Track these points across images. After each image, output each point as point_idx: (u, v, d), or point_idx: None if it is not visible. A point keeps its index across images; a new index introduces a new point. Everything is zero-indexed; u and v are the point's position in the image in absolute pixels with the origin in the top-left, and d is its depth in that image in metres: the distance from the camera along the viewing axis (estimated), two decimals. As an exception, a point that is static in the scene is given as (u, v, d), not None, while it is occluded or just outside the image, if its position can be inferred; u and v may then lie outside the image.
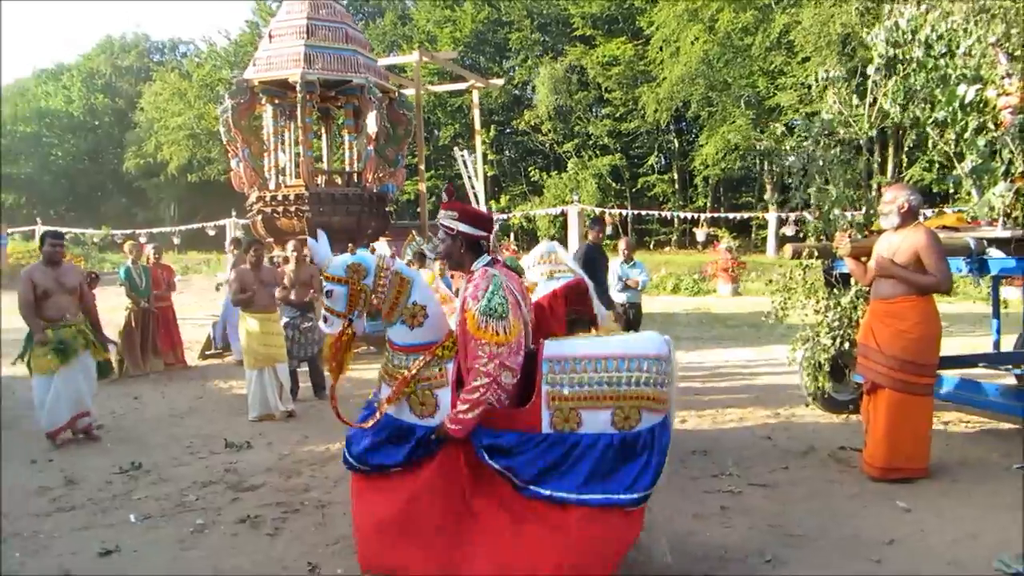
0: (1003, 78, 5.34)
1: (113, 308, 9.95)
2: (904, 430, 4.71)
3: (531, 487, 3.05)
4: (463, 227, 3.24)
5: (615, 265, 8.60)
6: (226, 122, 11.26)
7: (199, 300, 17.02)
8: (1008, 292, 6.98)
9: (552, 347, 3.18)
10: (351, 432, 3.47)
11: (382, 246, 10.89)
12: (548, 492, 3.03)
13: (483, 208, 14.36)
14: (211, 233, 24.44)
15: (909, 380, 4.70)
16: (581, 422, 3.07)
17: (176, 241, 26.22)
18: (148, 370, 9.33)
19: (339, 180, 11.85)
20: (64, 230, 11.07)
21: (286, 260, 8.71)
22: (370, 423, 3.34)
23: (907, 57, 5.80)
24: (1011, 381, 6.60)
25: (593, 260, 7.24)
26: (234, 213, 22.93)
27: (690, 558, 3.65)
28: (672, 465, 5.13)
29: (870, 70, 6.14)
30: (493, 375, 3.02)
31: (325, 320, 3.39)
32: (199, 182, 37.96)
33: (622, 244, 8.78)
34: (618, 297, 8.50)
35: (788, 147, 6.42)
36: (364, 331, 3.48)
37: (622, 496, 3.00)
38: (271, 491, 4.86)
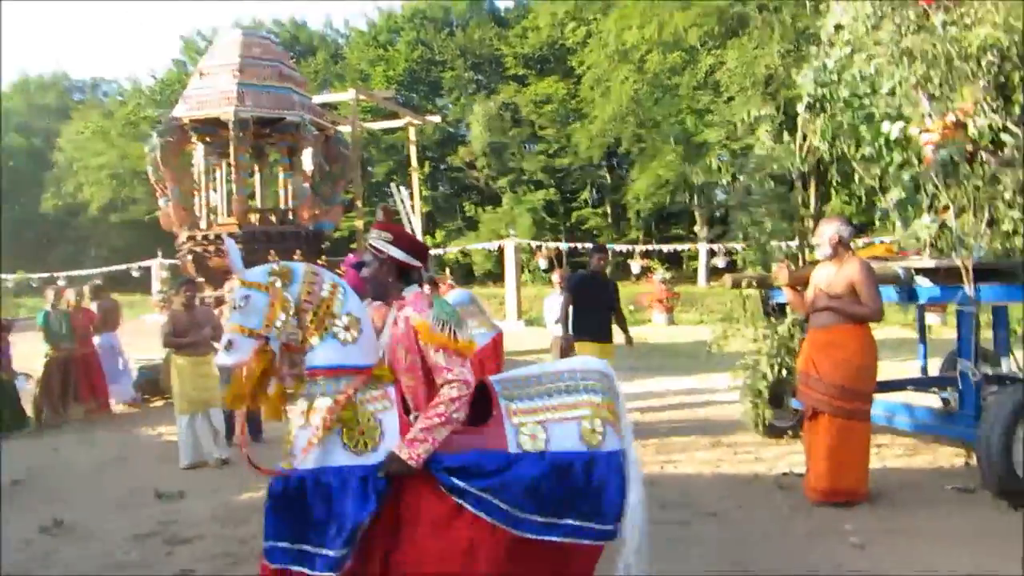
0: (924, 117, 5.61)
1: (31, 355, 9.43)
2: (845, 455, 4.81)
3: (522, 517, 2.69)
4: (395, 252, 2.86)
5: (553, 298, 8.61)
6: (154, 160, 10.95)
7: (124, 343, 16.28)
8: (930, 318, 7.26)
9: (498, 377, 3.04)
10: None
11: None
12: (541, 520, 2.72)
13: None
14: (135, 275, 23.60)
15: (848, 406, 4.81)
16: (549, 439, 2.81)
17: (98, 283, 25.16)
18: (69, 418, 8.84)
19: (273, 218, 11.63)
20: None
21: (220, 301, 8.43)
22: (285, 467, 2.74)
23: (834, 96, 6.05)
24: (938, 404, 6.85)
25: (588, 287, 6.87)
26: (159, 253, 22.22)
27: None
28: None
29: (799, 108, 6.37)
30: (470, 381, 2.70)
31: (228, 346, 2.70)
32: (122, 222, 36.74)
33: (556, 276, 8.82)
34: (555, 330, 8.49)
35: (723, 182, 6.61)
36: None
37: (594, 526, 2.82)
38: (210, 543, 4.61)
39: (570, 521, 2.78)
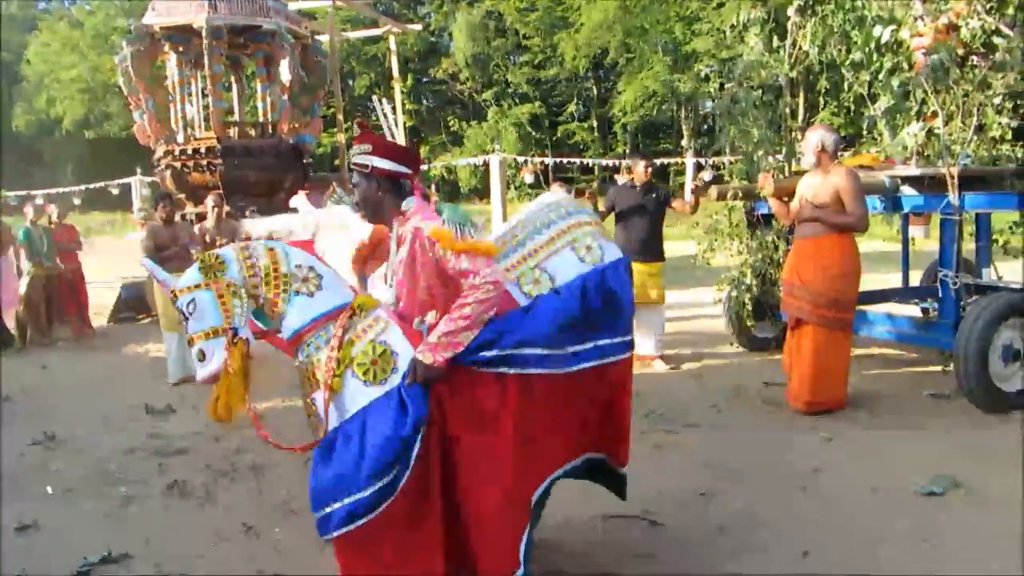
0: (916, 19, 5.47)
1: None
2: (827, 364, 4.90)
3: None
4: (380, 163, 2.60)
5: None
6: (126, 71, 10.56)
7: (106, 262, 16.18)
8: (913, 231, 7.28)
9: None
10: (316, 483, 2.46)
11: (300, 200, 10.52)
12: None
13: None
14: (115, 192, 23.16)
15: (832, 316, 4.87)
16: (553, 276, 2.71)
17: (77, 202, 24.64)
18: (54, 336, 8.83)
19: (252, 132, 11.35)
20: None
21: (200, 217, 8.32)
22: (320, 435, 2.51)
23: (825, -1, 5.88)
24: (918, 314, 6.95)
25: (630, 199, 6.37)
26: (139, 170, 21.76)
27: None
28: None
29: (790, 11, 6.20)
30: (500, 281, 2.48)
31: (201, 356, 2.49)
32: (98, 138, 35.83)
33: (556, 189, 8.52)
34: None
35: (712, 90, 6.49)
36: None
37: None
38: (200, 456, 4.68)
39: (602, 342, 2.75)
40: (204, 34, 10.21)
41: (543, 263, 2.73)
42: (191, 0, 10.48)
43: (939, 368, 5.61)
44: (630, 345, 2.84)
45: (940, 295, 5.55)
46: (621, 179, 23.03)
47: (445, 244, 2.46)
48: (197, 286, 2.51)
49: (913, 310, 7.03)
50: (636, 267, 5.97)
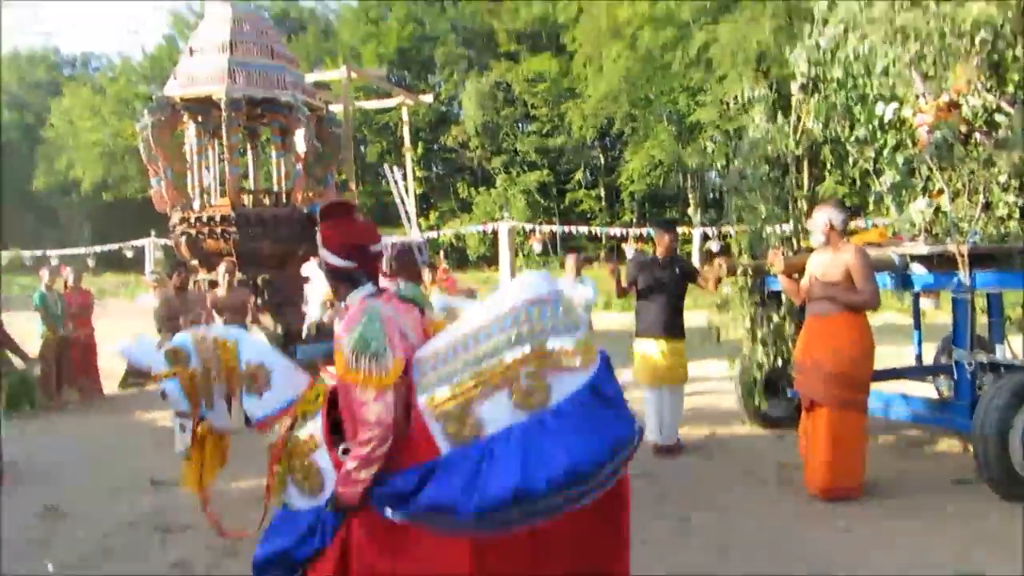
0: (918, 97, 5.57)
1: (24, 335, 9.37)
2: (843, 447, 4.77)
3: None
4: (330, 258, 2.61)
5: (562, 282, 8.47)
6: (146, 140, 10.78)
7: (118, 325, 16.24)
8: (924, 303, 7.25)
9: (423, 352, 2.55)
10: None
11: (311, 267, 10.62)
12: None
13: (413, 228, 13.83)
14: (129, 255, 23.46)
15: (846, 396, 4.78)
16: (481, 422, 2.38)
17: (91, 263, 25.03)
18: (63, 400, 8.82)
19: (267, 200, 11.51)
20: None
21: (213, 285, 8.39)
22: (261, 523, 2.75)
23: (827, 76, 6.00)
24: (933, 393, 6.85)
25: (652, 273, 6.16)
26: (153, 233, 22.05)
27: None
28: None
29: (793, 88, 6.32)
30: (384, 422, 2.39)
31: (182, 429, 2.83)
32: (115, 201, 36.47)
33: (570, 261, 8.42)
34: None
35: (717, 164, 6.58)
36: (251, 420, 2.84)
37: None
38: (204, 533, 4.59)
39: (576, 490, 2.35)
40: (224, 105, 10.45)
41: (473, 403, 2.39)
42: (212, 71, 10.78)
43: (959, 449, 5.48)
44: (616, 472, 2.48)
45: (955, 375, 5.47)
46: (629, 249, 23.23)
47: (339, 371, 2.46)
48: (166, 375, 2.76)
49: (928, 388, 6.94)
50: (660, 345, 5.95)
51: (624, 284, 6.30)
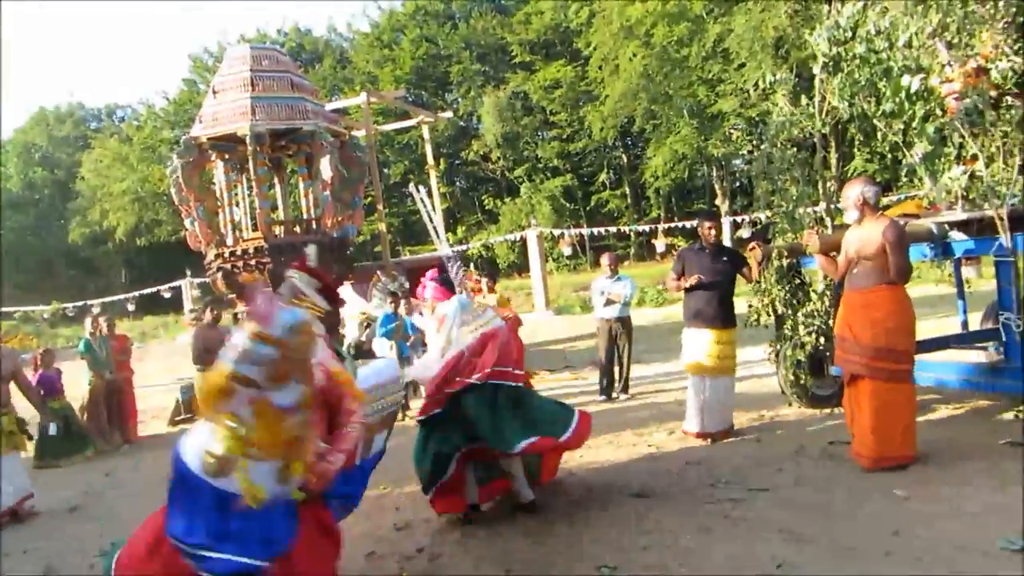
0: (944, 66, 5.49)
1: (73, 383, 9.61)
2: (890, 418, 4.73)
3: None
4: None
5: (599, 280, 8.59)
6: (176, 182, 11.09)
7: (160, 366, 16.58)
8: (966, 271, 7.12)
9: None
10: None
11: (347, 291, 10.77)
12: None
13: (443, 243, 13.95)
14: (166, 296, 23.92)
15: (888, 368, 4.73)
16: (371, 447, 3.67)
17: (131, 308, 25.53)
18: (116, 443, 9.03)
19: (297, 228, 11.73)
20: (11, 309, 10.79)
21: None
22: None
23: (850, 54, 5.93)
24: (982, 359, 6.72)
25: (698, 263, 6.05)
26: (188, 272, 22.49)
27: (703, 572, 3.59)
28: (670, 478, 5.13)
29: (816, 69, 6.27)
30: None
31: None
32: (149, 245, 37.27)
33: (605, 259, 8.57)
34: (603, 313, 8.45)
35: (744, 152, 6.52)
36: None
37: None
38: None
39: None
40: (248, 141, 10.70)
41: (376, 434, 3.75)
42: (235, 109, 11.03)
43: (1012, 414, 5.38)
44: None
45: (1004, 338, 5.38)
46: (660, 244, 23.04)
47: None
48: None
49: (976, 354, 6.81)
50: (711, 335, 5.86)
51: (672, 275, 6.18)
